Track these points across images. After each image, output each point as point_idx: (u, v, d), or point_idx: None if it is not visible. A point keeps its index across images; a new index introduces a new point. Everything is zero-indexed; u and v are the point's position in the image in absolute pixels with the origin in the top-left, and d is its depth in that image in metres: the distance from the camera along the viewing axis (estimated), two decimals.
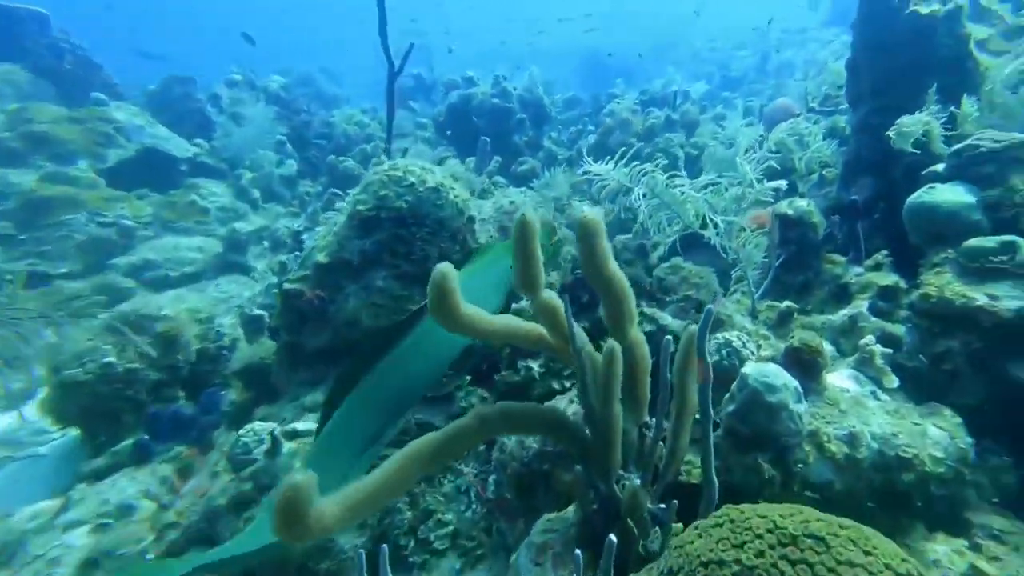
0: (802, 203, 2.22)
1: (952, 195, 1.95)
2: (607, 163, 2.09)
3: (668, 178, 2.06)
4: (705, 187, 2.05)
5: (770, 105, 6.25)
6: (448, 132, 5.83)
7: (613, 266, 1.15)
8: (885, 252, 2.13)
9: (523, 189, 4.50)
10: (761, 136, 3.88)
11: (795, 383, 1.51)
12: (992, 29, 2.39)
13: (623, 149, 2.13)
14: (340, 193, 3.60)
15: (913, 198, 2.03)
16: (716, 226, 1.95)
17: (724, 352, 1.75)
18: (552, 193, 4.47)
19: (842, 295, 2.11)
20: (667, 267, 2.03)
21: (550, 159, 6.05)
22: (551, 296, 1.20)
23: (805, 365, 1.65)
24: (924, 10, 2.36)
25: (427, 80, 9.45)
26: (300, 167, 5.82)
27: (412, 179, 2.31)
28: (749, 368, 1.55)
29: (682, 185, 2.05)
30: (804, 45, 11.52)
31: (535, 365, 1.96)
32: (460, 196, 2.51)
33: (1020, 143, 1.90)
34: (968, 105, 2.17)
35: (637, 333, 1.24)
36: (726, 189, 1.97)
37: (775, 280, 2.24)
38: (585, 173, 2.12)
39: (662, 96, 6.88)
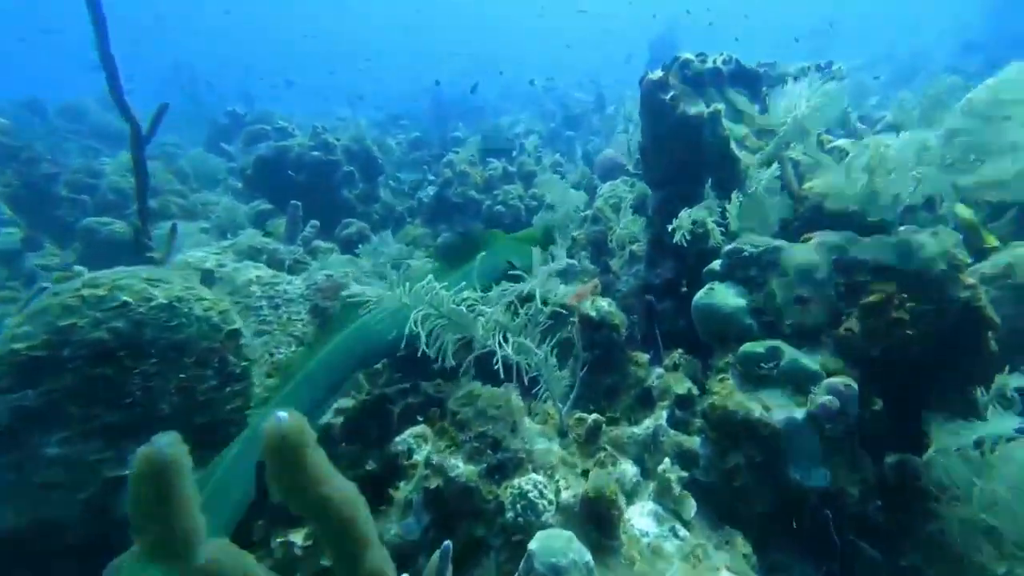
0: (603, 304, 2.17)
1: (727, 297, 2.03)
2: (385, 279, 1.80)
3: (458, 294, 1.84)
4: (501, 300, 1.87)
5: (600, 156, 6.69)
6: (259, 186, 5.16)
7: (334, 483, 0.82)
8: (681, 351, 2.16)
9: (349, 256, 4.07)
10: (580, 210, 4.02)
11: (585, 558, 1.35)
12: (747, 128, 2.64)
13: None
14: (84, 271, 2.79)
15: (697, 298, 2.09)
16: (509, 347, 1.77)
17: (519, 507, 1.55)
18: (382, 259, 4.11)
19: (647, 399, 2.07)
20: (462, 396, 1.80)
21: (387, 213, 5.71)
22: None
23: (602, 519, 1.52)
24: (691, 111, 2.52)
25: (245, 118, 8.46)
26: (28, 233, 4.51)
27: (125, 297, 1.77)
28: (535, 545, 1.36)
29: (474, 301, 1.84)
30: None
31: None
32: (215, 307, 2.03)
33: (771, 248, 2.05)
34: (736, 204, 2.32)
35: (374, 561, 0.93)
36: (520, 307, 1.80)
37: (584, 384, 2.15)
38: (351, 297, 1.81)
39: (504, 141, 6.98)
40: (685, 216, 2.30)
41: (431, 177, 6.23)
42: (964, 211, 2.54)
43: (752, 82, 2.87)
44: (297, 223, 4.10)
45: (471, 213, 5.38)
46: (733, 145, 2.58)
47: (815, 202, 2.48)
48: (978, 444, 1.76)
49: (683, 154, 2.62)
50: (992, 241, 2.51)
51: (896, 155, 2.02)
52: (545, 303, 1.90)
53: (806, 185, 2.60)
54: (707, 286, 2.12)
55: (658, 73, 2.66)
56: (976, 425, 1.84)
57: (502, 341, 1.76)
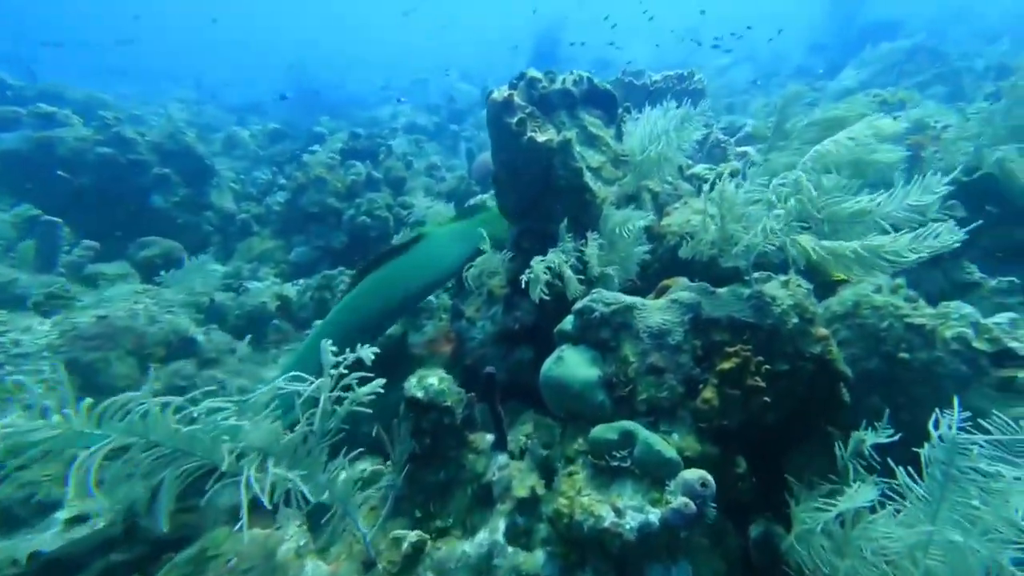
0: (433, 380, 1.78)
1: (578, 368, 1.73)
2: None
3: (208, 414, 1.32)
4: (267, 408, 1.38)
5: (478, 158, 6.29)
6: (14, 191, 4.01)
7: None
8: (526, 435, 1.83)
9: (145, 287, 3.27)
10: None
11: None
12: (604, 156, 2.37)
13: None
14: None
15: (546, 368, 1.77)
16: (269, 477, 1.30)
17: None
18: (185, 295, 3.35)
19: (486, 499, 1.71)
20: (183, 563, 1.31)
21: (225, 223, 4.83)
22: None
23: None
24: (540, 138, 2.19)
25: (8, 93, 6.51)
26: None
27: None
28: None
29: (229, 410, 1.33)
30: None
31: None
32: None
33: (623, 308, 1.78)
34: (594, 246, 2.03)
35: None
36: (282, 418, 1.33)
37: (409, 481, 1.74)
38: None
39: (373, 141, 6.31)
40: (539, 266, 1.97)
41: (283, 180, 5.40)
42: (807, 242, 2.50)
43: (607, 104, 2.61)
44: (55, 244, 3.19)
45: (330, 224, 4.72)
46: (588, 177, 2.29)
47: (673, 242, 2.28)
48: (840, 517, 1.64)
49: (535, 186, 2.29)
50: (839, 275, 2.49)
51: (745, 197, 1.83)
52: (340, 402, 1.45)
53: (664, 221, 2.40)
54: (557, 352, 1.80)
55: (503, 92, 2.29)
56: (838, 493, 1.73)
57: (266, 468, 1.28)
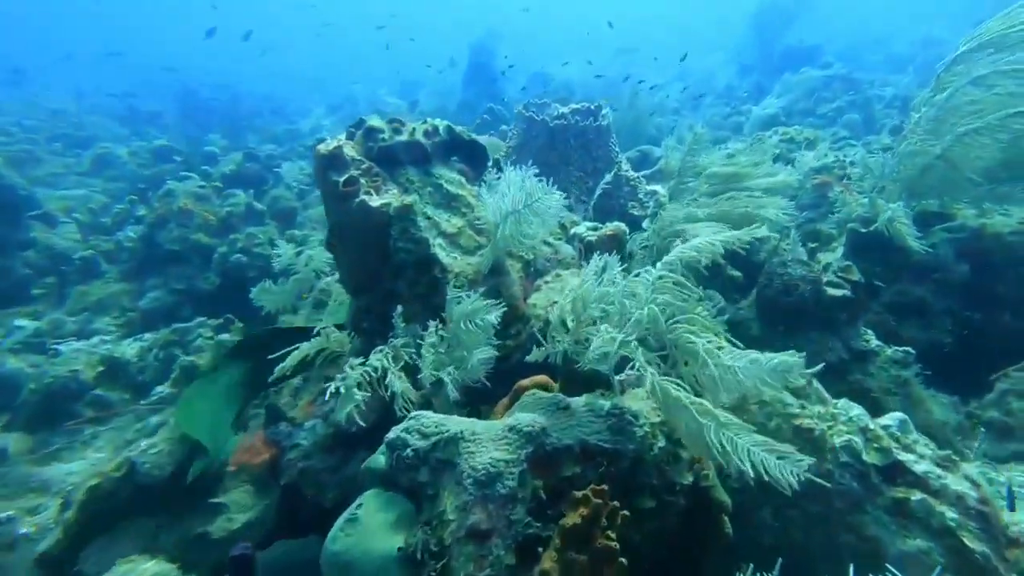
0: None
1: (376, 536, 1.33)
2: None
3: None
4: None
5: None
6: None
7: None
8: None
9: None
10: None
11: None
12: (463, 219, 2.01)
13: None
14: None
15: (331, 538, 1.35)
16: None
17: None
18: None
19: None
20: None
21: (54, 263, 4.09)
22: None
23: None
24: (375, 202, 1.80)
25: None
26: None
27: None
28: None
29: None
30: None
31: None
32: None
33: (450, 438, 1.41)
34: (429, 341, 1.65)
35: None
36: None
37: None
38: None
39: (270, 164, 5.71)
40: (354, 374, 1.56)
41: (142, 211, 4.70)
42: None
43: (474, 155, 2.25)
44: None
45: (196, 264, 4.11)
46: (438, 248, 1.91)
47: (538, 327, 1.94)
48: None
49: (371, 257, 1.89)
50: None
51: (600, 293, 1.51)
52: None
53: (532, 298, 2.06)
54: (353, 506, 1.40)
55: (332, 144, 1.88)
56: None
57: None
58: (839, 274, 2.69)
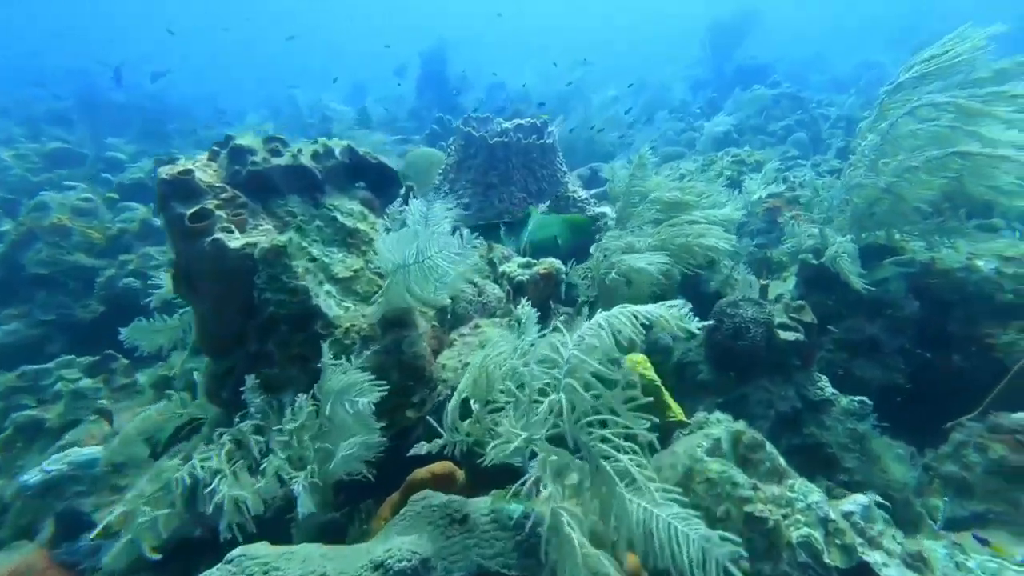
0: None
1: None
2: None
3: None
4: None
5: None
6: None
7: None
8: None
9: None
10: None
11: None
12: (362, 259, 1.65)
13: None
14: None
15: None
16: None
17: None
18: None
19: None
20: None
21: None
22: None
23: None
24: (234, 242, 1.42)
25: None
26: None
27: None
28: None
29: None
30: None
31: None
32: None
33: None
34: (283, 436, 1.28)
35: None
36: None
37: None
38: None
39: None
40: (150, 488, 1.18)
41: (5, 227, 4.04)
42: (636, 359, 1.98)
43: (382, 180, 1.91)
44: None
45: (73, 289, 3.55)
46: (324, 297, 1.55)
47: (445, 395, 1.61)
48: None
49: (231, 312, 1.50)
50: (678, 412, 1.98)
51: (509, 368, 1.19)
52: None
53: (443, 357, 1.72)
54: None
55: (179, 166, 1.49)
56: None
57: None
58: (792, 315, 2.51)
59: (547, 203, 2.96)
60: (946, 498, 2.04)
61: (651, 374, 1.99)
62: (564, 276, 2.21)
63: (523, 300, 1.77)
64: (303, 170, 1.66)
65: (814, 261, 3.01)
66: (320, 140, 1.74)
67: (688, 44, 19.51)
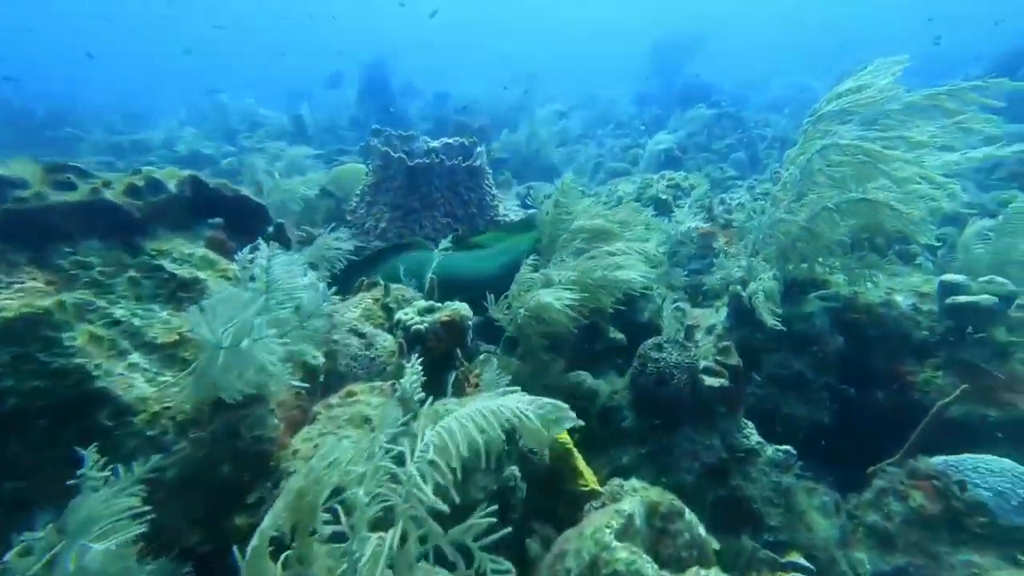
0: None
1: None
2: None
3: None
4: None
5: None
6: None
7: None
8: None
9: None
10: None
11: None
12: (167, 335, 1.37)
13: None
14: None
15: None
16: None
17: None
18: None
19: None
20: None
21: None
22: None
23: None
24: None
25: None
26: None
27: None
28: None
29: None
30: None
31: None
32: None
33: None
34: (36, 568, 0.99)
35: None
36: None
37: None
38: None
39: None
40: None
41: None
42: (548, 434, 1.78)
43: (242, 216, 1.63)
44: None
45: None
46: (120, 373, 1.26)
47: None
48: None
49: None
50: (590, 480, 1.80)
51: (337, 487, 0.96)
52: None
53: (300, 436, 1.46)
54: None
55: None
56: None
57: None
58: (717, 357, 2.40)
59: (451, 236, 2.74)
60: (865, 559, 1.95)
61: (563, 436, 1.81)
62: (470, 324, 2.00)
63: (415, 356, 1.55)
64: (107, 208, 1.36)
65: (743, 293, 2.95)
66: (144, 170, 1.45)
67: (637, 60, 20.06)
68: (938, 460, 2.21)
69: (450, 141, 3.77)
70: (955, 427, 2.45)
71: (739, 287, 3.02)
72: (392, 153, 3.29)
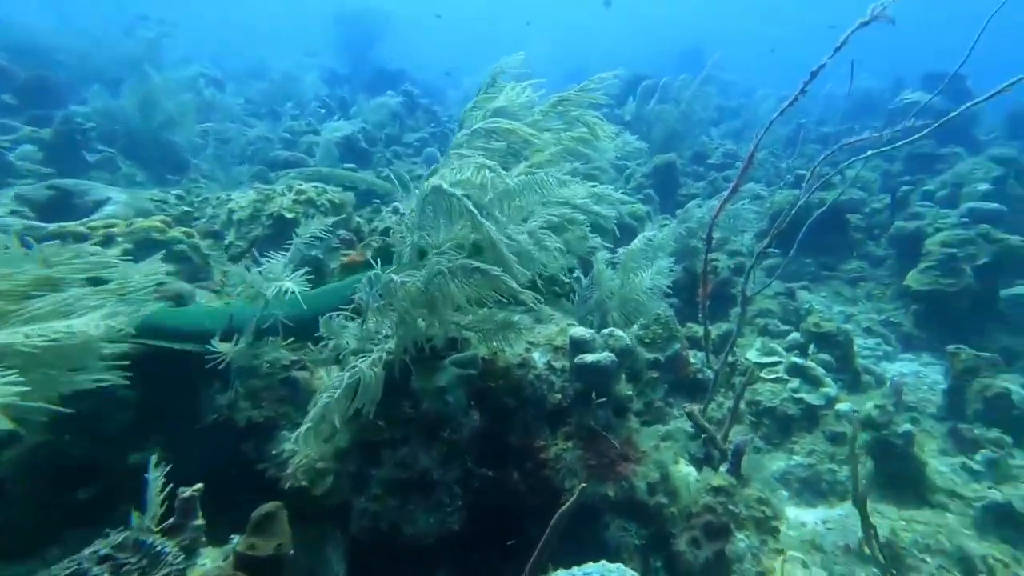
0: None
1: None
2: None
3: None
4: None
5: None
6: None
7: None
8: None
9: None
10: None
11: None
12: None
13: None
14: None
15: None
16: None
17: None
18: None
19: None
20: None
21: None
22: None
23: None
24: None
25: None
26: None
27: None
28: None
29: None
30: None
31: None
32: None
33: None
34: None
35: None
36: None
37: None
38: None
39: None
40: None
41: None
42: None
43: None
44: None
45: None
46: None
47: None
48: None
49: None
50: None
51: None
52: None
53: None
54: None
55: None
56: None
57: None
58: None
59: None
60: None
61: None
62: None
63: None
64: None
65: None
66: None
67: (321, 36, 18.20)
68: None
69: None
70: (580, 511, 2.27)
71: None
72: None
